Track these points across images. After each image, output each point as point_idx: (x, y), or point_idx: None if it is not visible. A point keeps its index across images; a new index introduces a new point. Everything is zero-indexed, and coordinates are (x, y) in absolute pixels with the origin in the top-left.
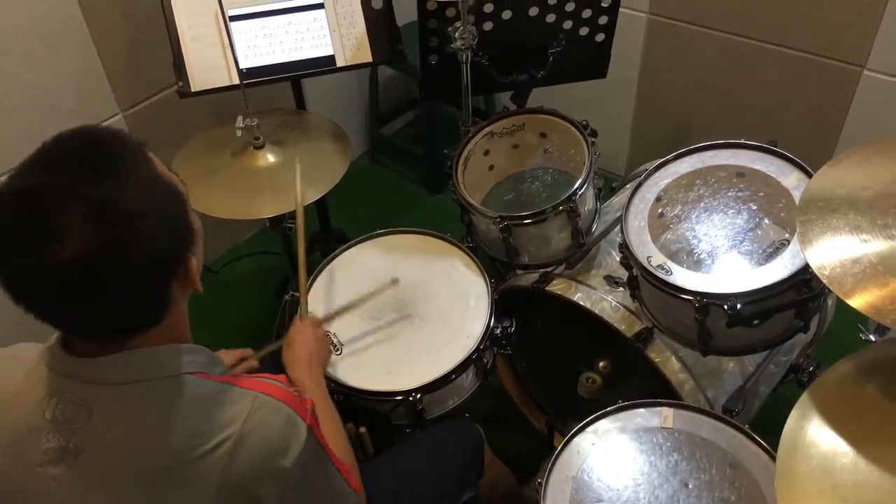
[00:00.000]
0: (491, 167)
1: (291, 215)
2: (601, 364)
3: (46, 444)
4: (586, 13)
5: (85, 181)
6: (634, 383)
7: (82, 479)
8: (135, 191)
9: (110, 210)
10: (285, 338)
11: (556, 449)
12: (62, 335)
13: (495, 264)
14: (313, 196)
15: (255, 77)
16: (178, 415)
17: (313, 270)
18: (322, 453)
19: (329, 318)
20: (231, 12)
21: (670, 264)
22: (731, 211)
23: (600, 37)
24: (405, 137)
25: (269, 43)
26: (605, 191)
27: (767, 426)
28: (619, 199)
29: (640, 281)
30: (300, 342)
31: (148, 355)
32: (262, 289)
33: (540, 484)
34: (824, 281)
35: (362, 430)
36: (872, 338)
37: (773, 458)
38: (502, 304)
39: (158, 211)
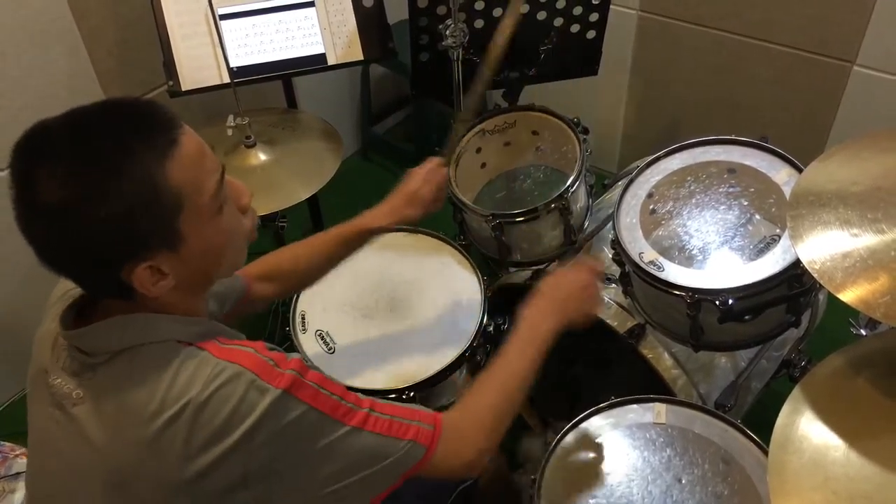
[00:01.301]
0: (483, 165)
1: (283, 214)
2: (593, 360)
3: (53, 388)
4: (577, 10)
5: (62, 141)
6: (627, 380)
7: (79, 430)
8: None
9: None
10: (554, 272)
11: (550, 445)
12: (78, 299)
13: (488, 262)
14: (305, 194)
15: (246, 76)
16: (160, 381)
17: None
18: (312, 414)
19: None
20: (221, 11)
21: (662, 260)
22: (723, 207)
23: (591, 34)
24: (397, 135)
25: (259, 41)
26: (597, 188)
27: (760, 421)
28: (611, 196)
29: (633, 277)
30: (570, 283)
31: (143, 320)
32: None
33: (534, 480)
34: (815, 276)
35: None
36: (863, 332)
37: (766, 452)
38: (495, 301)
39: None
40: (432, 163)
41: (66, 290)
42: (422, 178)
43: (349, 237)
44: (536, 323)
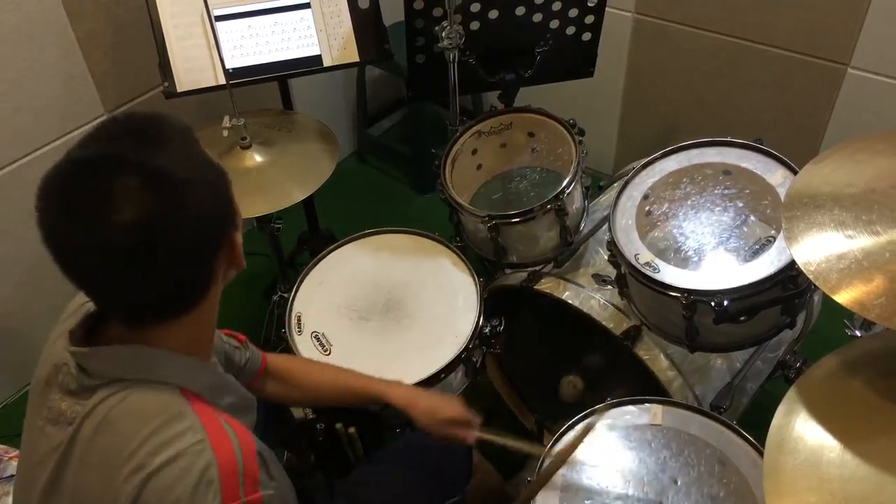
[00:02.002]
0: (479, 166)
1: (279, 215)
2: (589, 362)
3: (49, 402)
4: (573, 12)
5: (138, 151)
6: (623, 381)
7: (63, 452)
8: (185, 161)
9: (163, 176)
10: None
11: (546, 447)
12: (88, 317)
13: (484, 263)
14: (301, 196)
15: (242, 77)
16: (147, 426)
17: (301, 270)
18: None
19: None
20: (217, 12)
21: (658, 262)
22: (718, 208)
23: (587, 36)
24: (393, 137)
25: (255, 43)
26: (593, 189)
27: (755, 422)
28: (607, 197)
29: (629, 279)
30: (435, 401)
31: (153, 356)
32: (251, 290)
33: (529, 482)
34: (810, 277)
35: (352, 430)
36: (858, 333)
37: (761, 453)
38: (491, 303)
39: (207, 182)
40: (474, 419)
41: (80, 303)
42: (460, 412)
43: (363, 395)
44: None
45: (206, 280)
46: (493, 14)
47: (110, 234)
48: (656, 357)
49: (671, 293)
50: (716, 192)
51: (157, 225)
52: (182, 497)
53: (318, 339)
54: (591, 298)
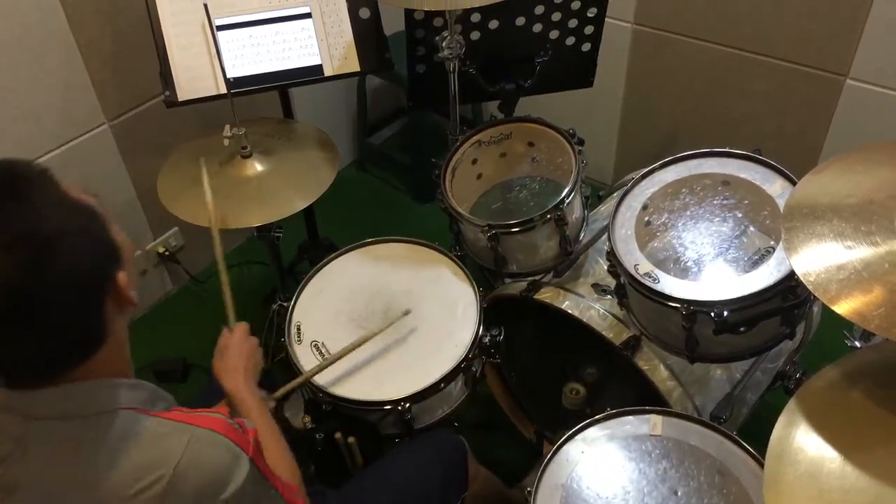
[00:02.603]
0: (479, 176)
1: (279, 224)
2: (588, 372)
3: None
4: (572, 23)
5: None
6: (622, 391)
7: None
8: (49, 212)
9: (27, 236)
10: (216, 348)
11: (546, 457)
12: None
13: (483, 273)
14: (301, 205)
15: (243, 86)
16: (111, 452)
17: (301, 279)
18: (265, 483)
19: (327, 364)
20: (218, 22)
21: (657, 272)
22: (717, 219)
23: (586, 46)
24: (393, 146)
25: (256, 52)
26: (592, 199)
27: (755, 433)
28: (606, 207)
29: (628, 289)
30: (233, 352)
31: (84, 389)
32: (250, 298)
33: (530, 492)
34: (809, 287)
35: (351, 440)
36: (858, 344)
37: (761, 464)
38: (491, 312)
39: (76, 230)
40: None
41: None
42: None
43: None
44: (246, 396)
45: (98, 326)
46: (494, 24)
47: None
48: (656, 367)
49: (671, 304)
50: (715, 202)
51: (29, 285)
52: (219, 475)
53: (318, 348)
54: (591, 308)
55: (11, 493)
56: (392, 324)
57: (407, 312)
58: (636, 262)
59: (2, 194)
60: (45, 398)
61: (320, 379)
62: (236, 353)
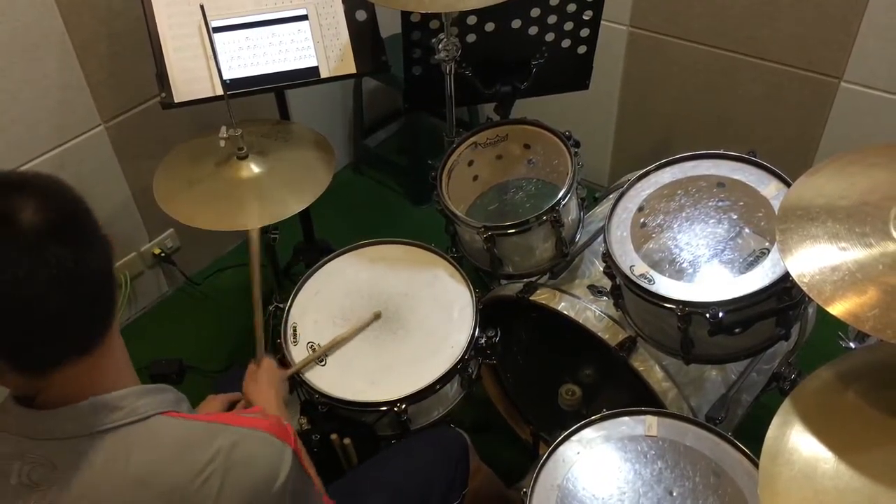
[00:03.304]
0: (475, 178)
1: (275, 226)
2: (584, 373)
3: None
4: (568, 26)
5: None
6: (618, 392)
7: None
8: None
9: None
10: (247, 371)
11: (542, 458)
12: (11, 395)
13: (480, 274)
14: (298, 207)
15: (239, 88)
16: (158, 457)
17: (297, 281)
18: (307, 477)
19: (304, 364)
20: (215, 23)
21: (653, 273)
22: (712, 220)
23: (582, 49)
24: (389, 148)
25: (252, 54)
26: (588, 201)
27: (750, 434)
28: (602, 209)
29: (624, 290)
30: (265, 377)
31: (113, 401)
32: (246, 300)
33: (525, 493)
34: (804, 289)
35: (346, 441)
36: (852, 345)
37: (756, 465)
38: (487, 314)
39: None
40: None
41: None
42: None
43: None
44: (273, 413)
45: (109, 306)
46: (490, 27)
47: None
48: (651, 368)
49: (666, 305)
50: (710, 204)
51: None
52: (267, 470)
53: (314, 349)
54: (587, 310)
55: None
56: (361, 330)
57: (378, 315)
58: (632, 263)
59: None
60: (72, 415)
61: (316, 380)
62: (268, 378)
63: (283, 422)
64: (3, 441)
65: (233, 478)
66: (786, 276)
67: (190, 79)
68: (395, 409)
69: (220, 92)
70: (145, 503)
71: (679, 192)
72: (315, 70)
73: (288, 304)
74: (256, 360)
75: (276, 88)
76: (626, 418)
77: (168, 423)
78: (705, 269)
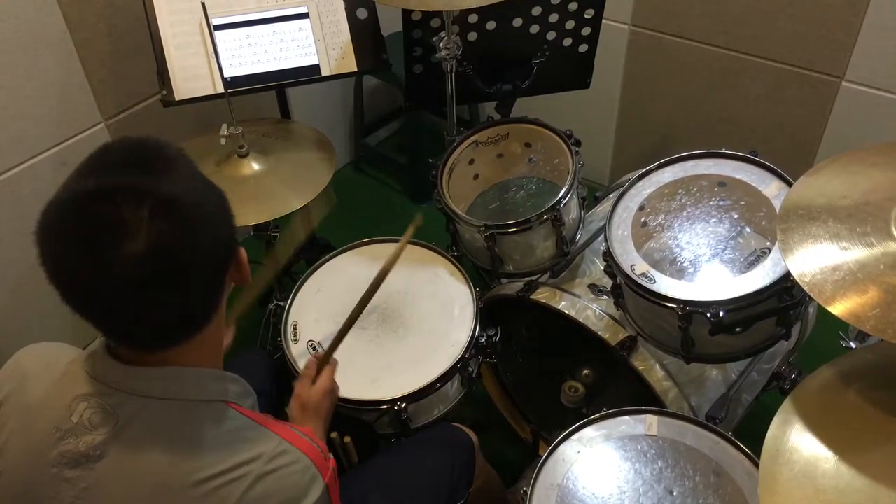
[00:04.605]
0: (476, 176)
1: (275, 223)
2: (585, 373)
3: (66, 446)
4: (569, 25)
5: (144, 178)
6: (618, 392)
7: (97, 486)
8: (190, 185)
9: (174, 203)
10: (304, 368)
11: (542, 457)
12: (107, 343)
13: (480, 273)
14: (298, 204)
15: (240, 86)
16: (209, 440)
17: (297, 280)
18: None
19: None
20: (216, 21)
21: (653, 272)
22: (713, 220)
23: (583, 48)
24: (390, 147)
25: (253, 52)
26: (589, 200)
27: (750, 433)
28: (603, 208)
29: (624, 289)
30: (328, 406)
31: (193, 375)
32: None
33: (525, 492)
34: (805, 288)
35: (346, 439)
36: (853, 345)
37: (757, 464)
38: (487, 312)
39: (214, 203)
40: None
41: (70, 359)
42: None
43: None
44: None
45: (218, 296)
46: (491, 25)
47: (126, 265)
48: (652, 367)
49: (667, 304)
50: (711, 203)
51: (172, 252)
52: (295, 493)
53: (314, 348)
54: (587, 309)
55: (96, 462)
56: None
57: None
58: (632, 262)
59: (149, 166)
60: (152, 375)
61: None
62: (329, 405)
63: (328, 455)
64: (85, 383)
65: (261, 487)
66: (786, 276)
67: (191, 76)
68: (396, 407)
69: (220, 90)
70: (174, 480)
71: (680, 191)
72: (316, 68)
73: (288, 302)
74: (329, 362)
75: (277, 86)
76: (626, 417)
77: (227, 412)
78: (706, 268)
